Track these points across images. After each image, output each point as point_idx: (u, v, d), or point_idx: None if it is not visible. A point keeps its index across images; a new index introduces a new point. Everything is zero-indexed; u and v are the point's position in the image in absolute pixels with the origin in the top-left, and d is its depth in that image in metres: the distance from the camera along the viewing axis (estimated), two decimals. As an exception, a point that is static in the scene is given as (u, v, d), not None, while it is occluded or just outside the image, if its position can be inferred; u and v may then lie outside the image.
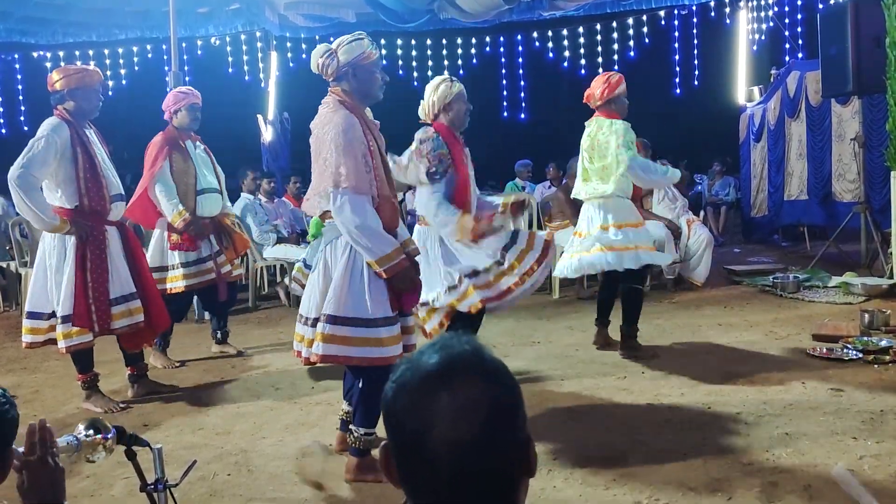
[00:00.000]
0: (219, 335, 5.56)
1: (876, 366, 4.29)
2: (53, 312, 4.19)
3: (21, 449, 1.43)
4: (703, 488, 2.84)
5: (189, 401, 4.39)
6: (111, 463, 3.29)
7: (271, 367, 5.05)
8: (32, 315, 4.26)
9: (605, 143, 4.71)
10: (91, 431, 1.63)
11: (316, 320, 3.13)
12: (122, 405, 4.30)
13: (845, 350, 4.54)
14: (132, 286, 4.29)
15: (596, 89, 4.80)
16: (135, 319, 4.27)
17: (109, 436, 1.64)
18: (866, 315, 5.09)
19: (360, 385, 3.15)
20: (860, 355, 4.44)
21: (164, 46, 10.26)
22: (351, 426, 3.21)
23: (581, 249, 4.83)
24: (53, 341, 4.22)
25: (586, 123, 4.92)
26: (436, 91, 3.99)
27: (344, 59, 3.13)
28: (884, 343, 4.61)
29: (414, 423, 0.98)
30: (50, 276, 4.20)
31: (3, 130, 11.35)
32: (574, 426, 3.62)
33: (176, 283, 5.12)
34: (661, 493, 2.83)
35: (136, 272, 4.35)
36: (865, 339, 4.75)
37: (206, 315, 6.91)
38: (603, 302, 5.07)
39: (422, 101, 4.05)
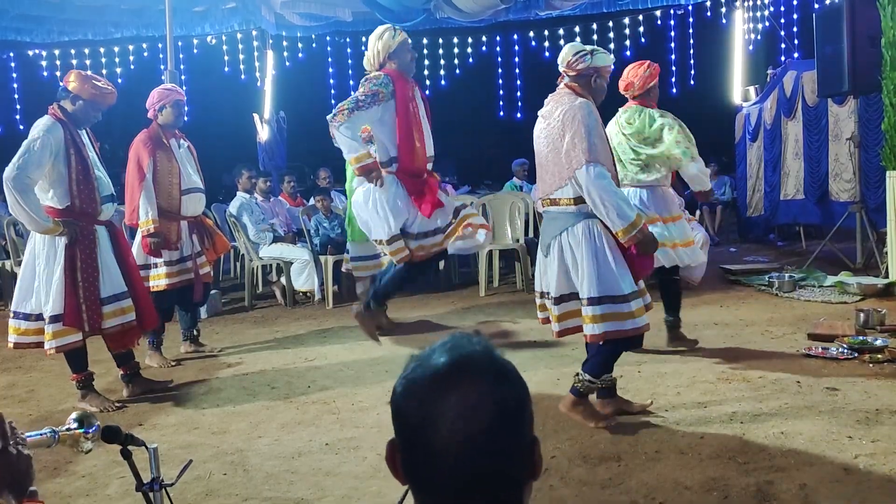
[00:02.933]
0: (193, 333, 5.57)
1: (871, 365, 4.29)
2: (41, 314, 4.16)
3: None
4: (698, 487, 2.84)
5: (185, 400, 4.39)
6: (107, 462, 3.29)
7: (267, 366, 5.05)
8: (18, 315, 4.24)
9: (657, 133, 4.66)
10: (76, 425, 1.63)
11: (559, 299, 3.49)
12: (117, 404, 4.29)
13: (841, 349, 4.54)
14: (123, 285, 4.30)
15: (636, 78, 4.70)
16: (126, 318, 4.28)
17: (91, 430, 1.64)
18: (862, 314, 5.09)
19: (604, 345, 3.47)
20: (856, 354, 4.45)
21: (159, 45, 10.24)
22: (579, 371, 3.55)
23: None
24: (42, 344, 4.17)
25: (621, 110, 4.77)
26: (380, 40, 4.24)
27: (597, 63, 3.52)
28: (879, 342, 4.61)
29: (421, 421, 0.98)
30: (38, 277, 4.18)
31: (-1, 128, 11.33)
32: (570, 425, 3.61)
33: (159, 280, 5.12)
34: (657, 492, 2.83)
35: (126, 271, 4.36)
36: (861, 338, 4.75)
37: (205, 315, 6.92)
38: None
39: (366, 53, 4.27)
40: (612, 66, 3.63)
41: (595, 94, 3.54)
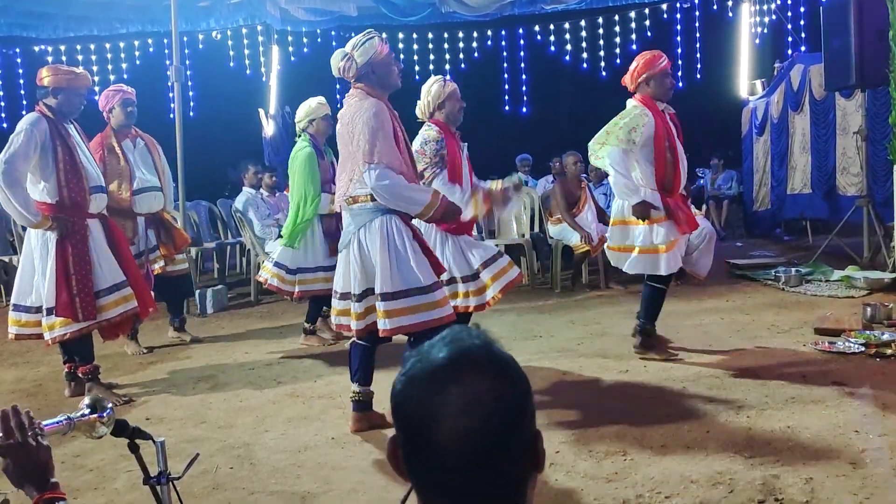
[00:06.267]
0: (176, 322, 5.83)
1: (878, 359, 4.28)
2: (41, 307, 4.24)
3: None
4: (704, 481, 2.84)
5: (191, 394, 4.40)
6: (114, 456, 3.31)
7: (273, 361, 5.06)
8: (19, 308, 4.33)
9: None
10: (89, 410, 1.65)
11: (361, 295, 3.41)
12: (124, 398, 4.32)
13: (847, 344, 4.54)
14: (121, 274, 4.36)
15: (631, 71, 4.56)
16: (130, 305, 4.35)
17: (105, 414, 1.66)
18: (868, 309, 5.08)
19: (413, 342, 3.33)
20: (862, 349, 4.44)
21: (165, 40, 10.24)
22: (354, 387, 3.57)
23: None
24: (42, 335, 4.27)
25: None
26: (429, 93, 4.30)
27: (361, 61, 3.43)
28: (886, 337, 4.60)
29: (421, 416, 0.98)
30: (36, 271, 4.26)
31: (5, 125, 11.35)
32: (576, 420, 3.62)
33: None
34: (663, 486, 2.83)
35: (122, 260, 4.42)
36: (867, 332, 4.74)
37: (211, 310, 6.95)
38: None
39: (418, 102, 4.37)
40: (385, 48, 3.48)
41: (383, 82, 3.48)
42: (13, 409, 1.47)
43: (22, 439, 1.44)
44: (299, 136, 5.65)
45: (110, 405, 1.69)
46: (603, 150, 4.53)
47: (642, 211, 4.43)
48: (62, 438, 1.63)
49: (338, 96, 12.29)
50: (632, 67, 4.61)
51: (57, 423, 1.59)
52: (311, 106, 5.64)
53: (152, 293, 5.41)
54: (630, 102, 4.62)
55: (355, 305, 3.44)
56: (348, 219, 3.51)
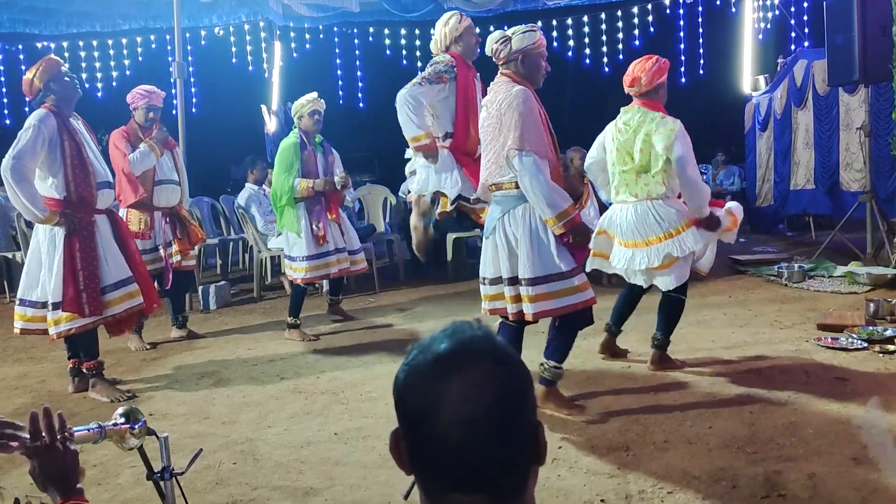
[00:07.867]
0: (180, 319, 5.77)
1: (880, 355, 4.28)
2: (46, 303, 4.25)
3: (26, 435, 1.45)
4: (706, 477, 2.84)
5: (194, 390, 4.41)
6: (118, 452, 3.30)
7: (276, 357, 5.07)
8: (25, 302, 4.35)
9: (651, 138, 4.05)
10: (122, 420, 1.65)
11: (511, 280, 3.52)
12: (128, 394, 4.33)
13: (850, 339, 4.53)
14: (128, 270, 4.38)
15: (643, 73, 4.05)
16: (135, 302, 4.36)
17: (137, 426, 1.66)
18: (871, 304, 5.08)
19: (558, 324, 3.58)
20: (865, 345, 4.43)
21: (167, 36, 10.26)
22: (543, 358, 3.64)
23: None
24: (47, 330, 4.28)
25: (622, 111, 4.19)
26: (446, 25, 4.36)
27: (517, 46, 3.51)
28: (888, 332, 4.60)
29: (423, 406, 0.98)
30: (43, 266, 4.28)
31: (8, 121, 11.36)
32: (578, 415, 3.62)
33: None
34: (665, 481, 2.83)
35: (128, 256, 4.44)
36: (870, 328, 4.74)
37: (213, 306, 6.97)
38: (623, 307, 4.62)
39: (433, 37, 4.35)
40: (543, 43, 3.60)
41: (530, 74, 3.55)
42: (45, 411, 1.46)
43: (50, 442, 1.43)
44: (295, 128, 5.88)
45: (143, 418, 1.69)
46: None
47: (713, 224, 4.36)
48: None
49: (340, 92, 12.32)
50: (651, 68, 4.08)
51: (88, 429, 1.58)
52: (300, 102, 5.85)
53: (157, 288, 5.47)
54: (658, 113, 4.10)
55: (508, 290, 3.54)
56: (493, 206, 3.63)
